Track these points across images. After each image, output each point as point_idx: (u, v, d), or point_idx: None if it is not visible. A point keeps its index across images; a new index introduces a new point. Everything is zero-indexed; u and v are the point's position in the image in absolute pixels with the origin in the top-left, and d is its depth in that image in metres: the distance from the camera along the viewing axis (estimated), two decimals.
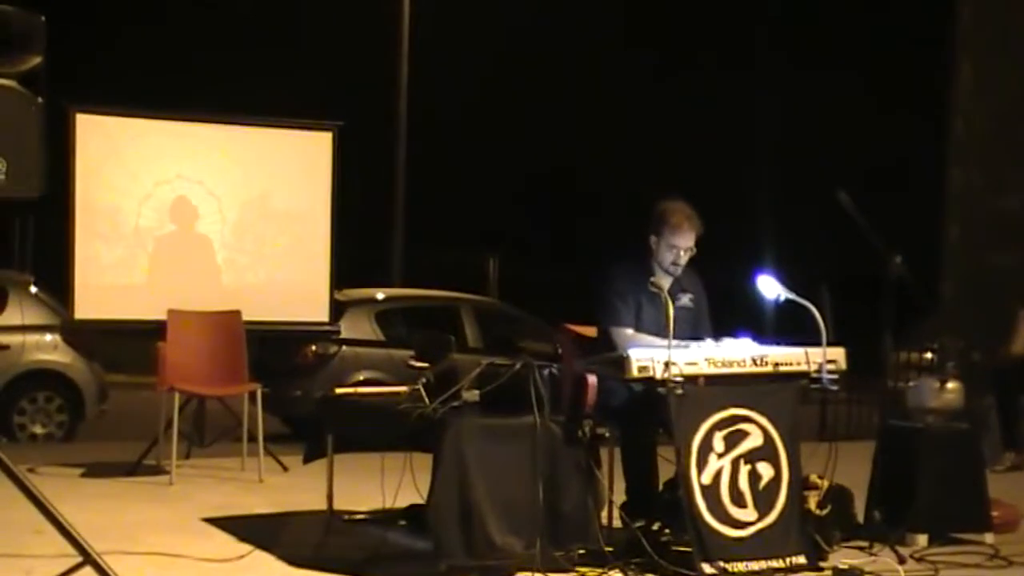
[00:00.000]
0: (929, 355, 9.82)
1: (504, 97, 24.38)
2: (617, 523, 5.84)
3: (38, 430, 10.43)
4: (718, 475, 5.47)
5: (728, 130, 23.46)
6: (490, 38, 23.49)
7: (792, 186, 21.27)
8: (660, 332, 5.81)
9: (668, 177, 6.92)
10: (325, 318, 8.67)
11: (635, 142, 23.89)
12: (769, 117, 22.63)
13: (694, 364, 5.52)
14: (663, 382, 5.39)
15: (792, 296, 5.82)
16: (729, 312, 6.65)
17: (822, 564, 5.55)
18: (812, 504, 5.80)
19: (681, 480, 5.42)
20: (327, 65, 23.05)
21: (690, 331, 5.85)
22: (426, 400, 5.49)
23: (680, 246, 5.94)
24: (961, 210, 13.24)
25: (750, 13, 22.83)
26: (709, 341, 5.93)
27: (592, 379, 5.51)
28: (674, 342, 5.40)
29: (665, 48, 24.30)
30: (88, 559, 4.47)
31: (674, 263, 5.96)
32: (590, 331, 6.14)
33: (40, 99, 4.56)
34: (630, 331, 5.87)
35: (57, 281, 8.56)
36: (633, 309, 5.92)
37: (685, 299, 5.94)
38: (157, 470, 7.65)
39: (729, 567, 5.34)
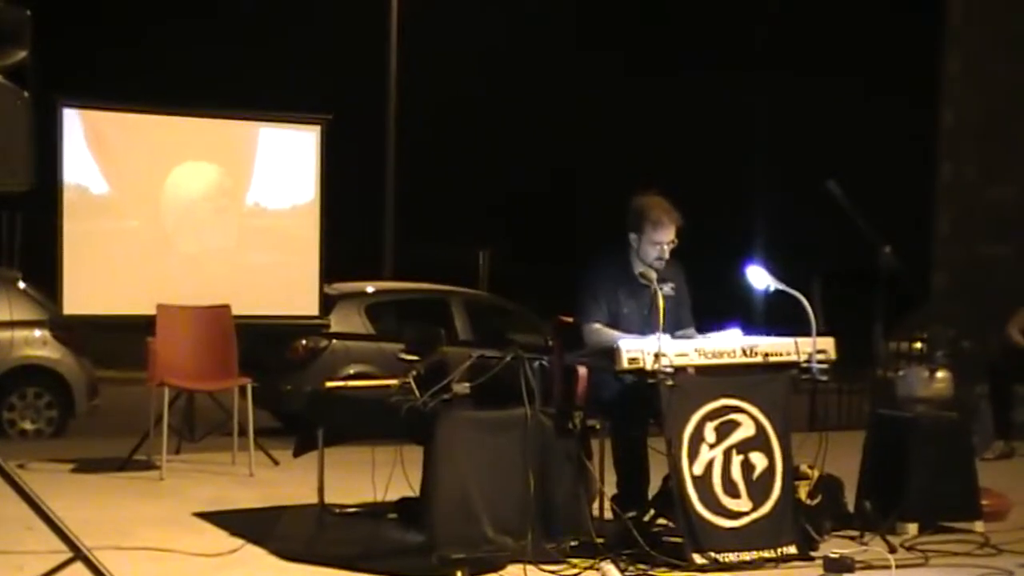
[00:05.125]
0: (919, 344, 9.82)
1: (499, 93, 24.35)
2: (608, 514, 5.85)
3: (28, 426, 10.39)
4: (710, 466, 5.48)
5: (722, 123, 23.46)
6: (484, 32, 23.45)
7: (783, 177, 21.29)
8: (643, 323, 5.83)
9: (664, 171, 6.89)
10: (315, 312, 8.66)
11: (631, 138, 23.89)
12: (762, 110, 22.63)
13: (684, 355, 5.54)
14: (654, 373, 5.40)
15: (781, 286, 5.83)
16: (719, 303, 6.64)
17: (813, 554, 5.56)
18: (803, 494, 5.81)
19: (672, 471, 5.43)
20: (318, 59, 23.00)
21: (672, 320, 5.86)
22: (417, 393, 5.50)
23: (663, 241, 5.97)
24: (952, 201, 13.26)
25: (747, 10, 22.91)
26: (691, 330, 5.95)
27: (583, 371, 5.51)
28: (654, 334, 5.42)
29: (665, 46, 24.34)
30: (79, 555, 4.45)
31: (659, 258, 5.99)
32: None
33: (26, 93, 4.53)
34: (596, 325, 5.89)
35: (46, 276, 8.53)
36: (606, 305, 5.94)
37: (667, 288, 5.93)
38: (148, 465, 7.64)
39: (720, 557, 5.35)
